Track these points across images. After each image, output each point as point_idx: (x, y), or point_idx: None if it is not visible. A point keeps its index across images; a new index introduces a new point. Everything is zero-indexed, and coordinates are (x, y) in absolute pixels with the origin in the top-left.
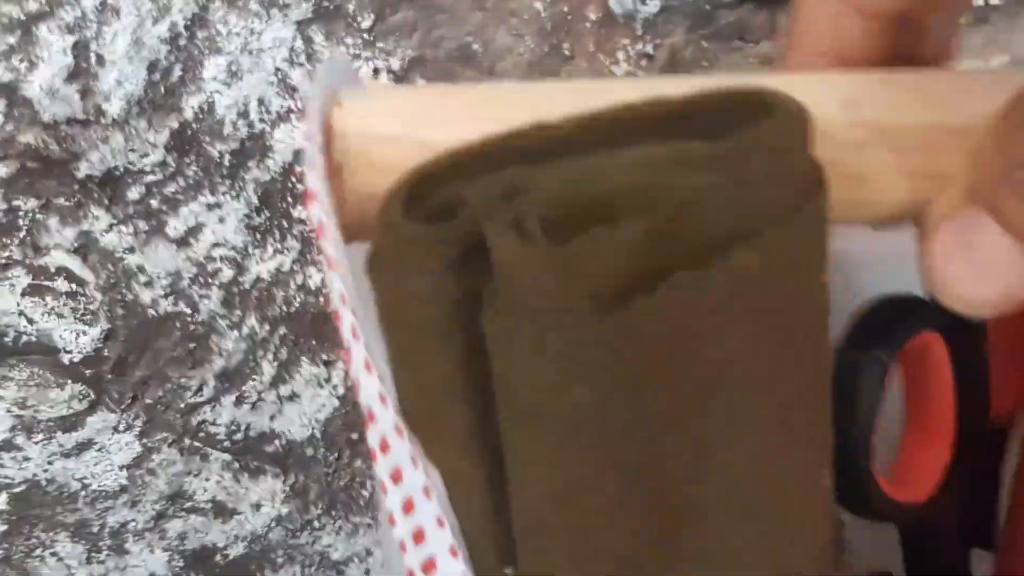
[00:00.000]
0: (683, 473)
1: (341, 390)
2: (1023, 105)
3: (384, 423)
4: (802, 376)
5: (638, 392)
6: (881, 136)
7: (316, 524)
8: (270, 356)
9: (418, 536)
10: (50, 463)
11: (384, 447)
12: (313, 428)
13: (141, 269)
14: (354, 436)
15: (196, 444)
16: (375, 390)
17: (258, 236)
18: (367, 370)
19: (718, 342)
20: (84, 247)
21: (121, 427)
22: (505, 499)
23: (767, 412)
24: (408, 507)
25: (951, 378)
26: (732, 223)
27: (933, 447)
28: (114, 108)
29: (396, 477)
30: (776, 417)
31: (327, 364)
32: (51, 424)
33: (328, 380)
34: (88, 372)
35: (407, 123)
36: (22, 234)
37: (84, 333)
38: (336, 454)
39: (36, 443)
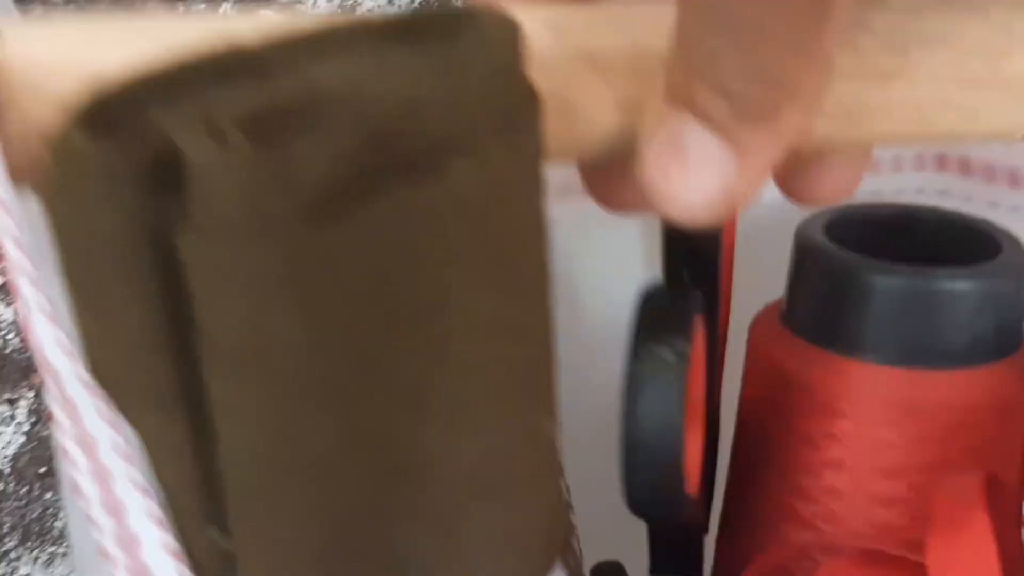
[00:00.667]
0: (402, 420)
1: (27, 427)
2: None
3: (69, 381)
4: (522, 308)
5: (357, 328)
6: (590, 65)
7: (12, 555)
8: None
9: (115, 509)
10: None
11: (71, 413)
12: (1, 464)
13: None
14: (42, 470)
15: None
16: (56, 344)
17: None
18: (48, 322)
19: (436, 264)
20: None
21: None
22: (214, 461)
23: (486, 348)
24: (102, 478)
25: (704, 359)
26: (448, 136)
27: (696, 434)
28: None
29: (87, 446)
30: (495, 355)
31: (11, 403)
32: None
33: (13, 418)
34: None
35: (81, 50)
36: None
37: None
38: (27, 487)
39: None
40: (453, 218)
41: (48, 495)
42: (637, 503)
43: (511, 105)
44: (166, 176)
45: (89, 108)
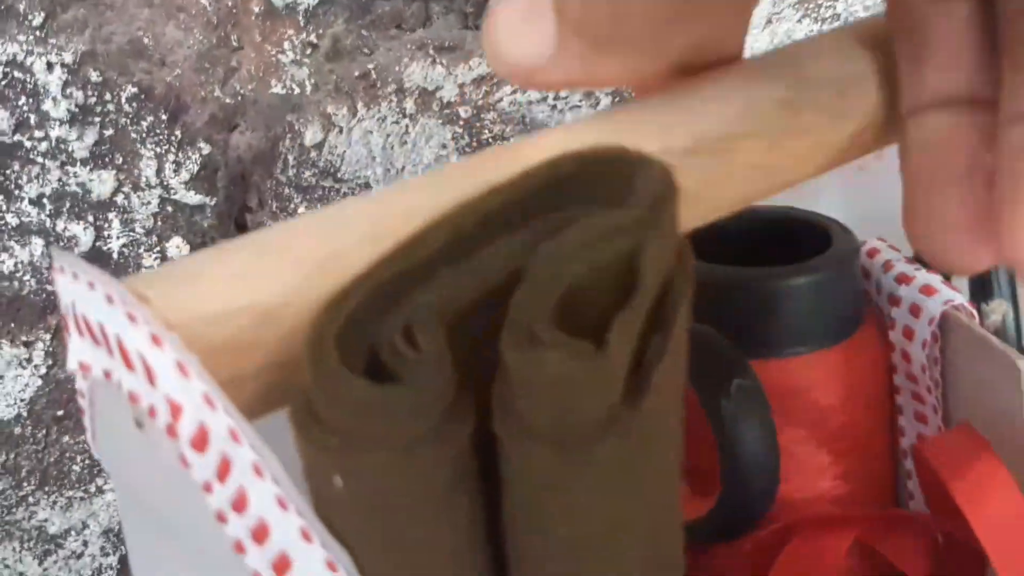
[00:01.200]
0: None
1: (43, 370)
2: None
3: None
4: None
5: (659, 488)
6: None
7: (31, 500)
8: None
9: None
10: None
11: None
12: (19, 407)
13: None
14: (59, 413)
15: None
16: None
17: None
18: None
19: (677, 405)
20: None
21: None
22: None
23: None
24: None
25: None
26: (671, 282)
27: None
28: None
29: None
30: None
31: (27, 345)
32: None
33: (29, 360)
34: None
35: (232, 294)
36: None
37: None
38: (44, 431)
39: None
40: (680, 360)
41: (65, 439)
42: (737, 516)
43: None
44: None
45: (336, 350)
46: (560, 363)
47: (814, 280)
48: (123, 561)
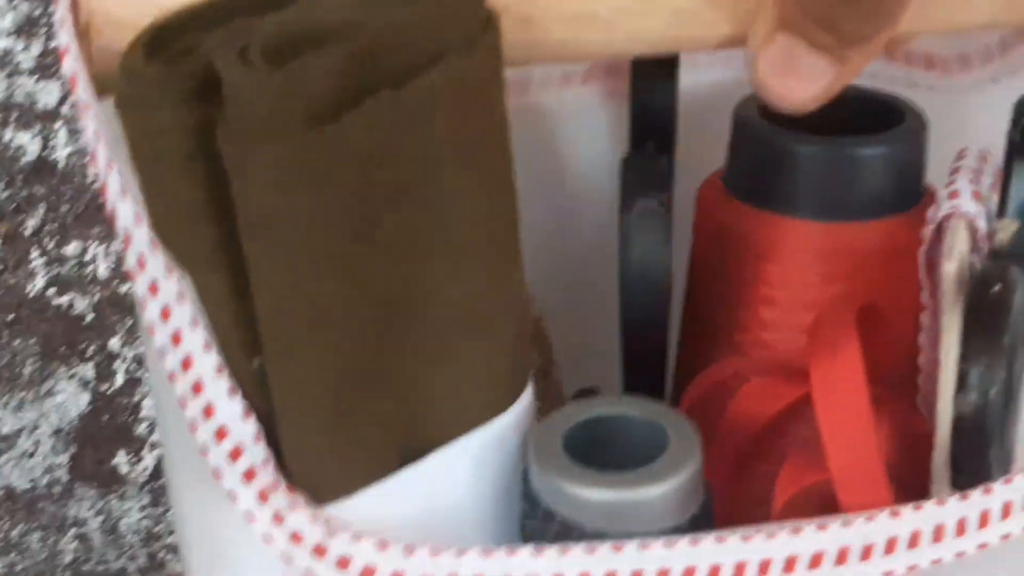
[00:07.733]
0: (399, 275)
1: None
2: None
3: (139, 242)
4: (491, 181)
5: (358, 206)
6: None
7: None
8: None
9: (176, 338)
10: None
11: (141, 264)
12: None
13: None
14: (10, 318)
15: None
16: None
17: None
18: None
19: (419, 148)
20: None
21: None
22: (250, 303)
23: (465, 215)
24: (165, 315)
25: None
26: (422, 54)
27: None
28: None
29: (153, 290)
30: (472, 220)
31: None
32: None
33: None
34: None
35: None
36: None
37: None
38: None
39: None
40: (427, 116)
41: (16, 342)
42: (632, 325)
43: (472, 26)
44: (210, 89)
45: (149, 36)
46: (235, 73)
47: (883, 152)
48: (74, 458)
